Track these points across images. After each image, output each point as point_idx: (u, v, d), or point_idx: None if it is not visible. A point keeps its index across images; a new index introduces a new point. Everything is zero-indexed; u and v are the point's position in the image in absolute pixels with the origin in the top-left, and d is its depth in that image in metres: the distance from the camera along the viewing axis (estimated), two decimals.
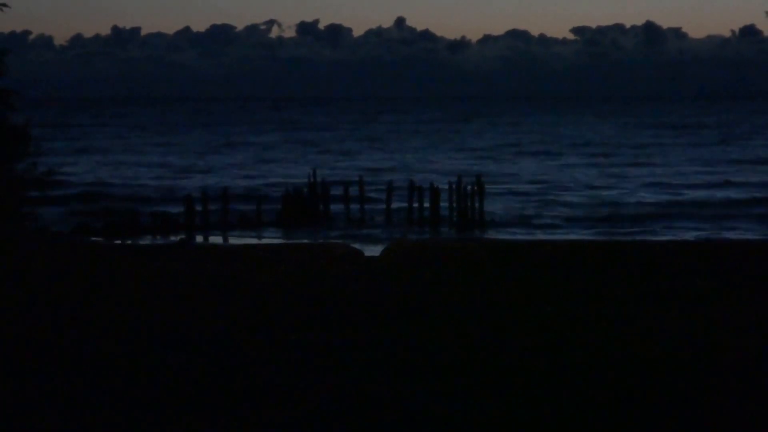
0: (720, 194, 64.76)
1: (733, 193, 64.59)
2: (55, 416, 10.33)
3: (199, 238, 47.19)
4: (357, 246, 37.17)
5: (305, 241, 44.29)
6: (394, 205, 53.87)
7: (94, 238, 44.28)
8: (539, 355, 12.76)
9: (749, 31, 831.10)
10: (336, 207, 53.87)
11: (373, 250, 34.99)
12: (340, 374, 11.85)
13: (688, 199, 62.60)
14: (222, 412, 10.42)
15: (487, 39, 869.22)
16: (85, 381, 11.61)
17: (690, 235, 46.50)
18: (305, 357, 12.79)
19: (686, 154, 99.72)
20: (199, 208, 50.22)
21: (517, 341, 13.63)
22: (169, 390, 11.23)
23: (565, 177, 76.54)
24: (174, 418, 10.24)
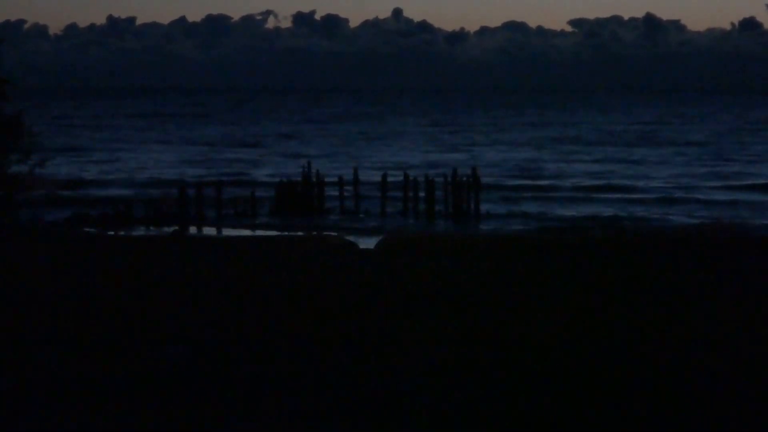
0: None
1: None
2: (52, 410, 10.32)
3: (193, 230, 47.23)
4: (351, 238, 37.18)
5: (299, 233, 44.31)
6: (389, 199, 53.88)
7: (87, 229, 44.24)
8: (539, 348, 12.69)
9: (750, 24, 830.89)
10: (332, 200, 53.88)
11: (367, 243, 34.96)
12: (334, 367, 11.83)
13: None
14: (220, 406, 10.42)
15: (484, 31, 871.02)
16: (82, 375, 11.59)
17: None
18: (299, 349, 12.76)
19: None
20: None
21: (516, 334, 13.59)
22: (166, 383, 11.23)
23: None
24: (172, 412, 10.26)
